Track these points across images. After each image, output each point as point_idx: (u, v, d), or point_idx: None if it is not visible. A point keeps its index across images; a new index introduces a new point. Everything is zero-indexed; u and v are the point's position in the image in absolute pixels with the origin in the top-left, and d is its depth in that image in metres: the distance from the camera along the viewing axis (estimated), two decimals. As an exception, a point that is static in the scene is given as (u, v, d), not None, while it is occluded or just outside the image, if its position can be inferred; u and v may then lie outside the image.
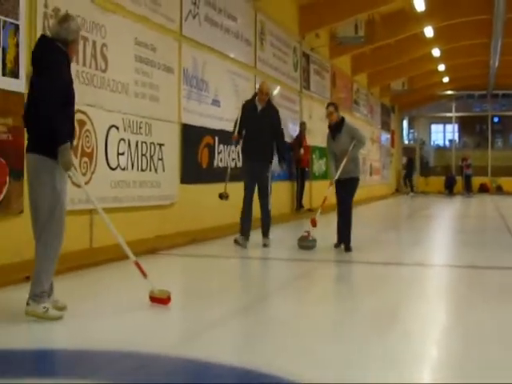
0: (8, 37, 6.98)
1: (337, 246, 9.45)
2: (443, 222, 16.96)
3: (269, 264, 8.49)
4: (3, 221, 6.92)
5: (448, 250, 10.72)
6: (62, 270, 6.42)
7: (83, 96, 8.15)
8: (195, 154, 11.45)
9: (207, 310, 5.55)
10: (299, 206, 16.69)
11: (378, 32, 20.04)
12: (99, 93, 8.66)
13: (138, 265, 5.54)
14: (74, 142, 7.93)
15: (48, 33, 5.71)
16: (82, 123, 8.27)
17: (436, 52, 24.39)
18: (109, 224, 5.46)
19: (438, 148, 39.28)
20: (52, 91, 4.83)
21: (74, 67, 7.88)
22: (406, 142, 38.83)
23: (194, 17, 11.44)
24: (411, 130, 39.52)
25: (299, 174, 16.65)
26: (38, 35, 7.27)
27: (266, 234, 9.73)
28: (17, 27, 7.08)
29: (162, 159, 10.26)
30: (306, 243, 9.37)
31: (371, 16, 19.84)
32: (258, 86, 9.66)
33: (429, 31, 21.33)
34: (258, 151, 9.59)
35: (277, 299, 6.06)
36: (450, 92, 34.20)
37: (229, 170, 10.04)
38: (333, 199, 9.72)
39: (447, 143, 39.47)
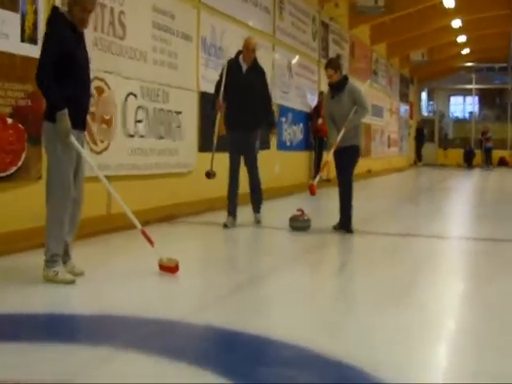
0: (26, 3, 6.96)
1: (336, 228, 8.24)
2: (461, 195, 16.86)
3: (283, 234, 8.44)
4: (22, 187, 6.96)
5: (466, 223, 10.65)
6: (80, 236, 6.45)
7: (101, 63, 8.16)
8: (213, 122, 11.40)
9: (222, 278, 5.56)
10: (316, 175, 16.61)
11: (398, 1, 19.81)
12: (117, 60, 8.64)
13: (144, 233, 5.46)
14: (93, 109, 7.99)
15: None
16: (101, 90, 8.27)
17: (456, 23, 24.09)
18: (113, 193, 5.51)
19: (458, 120, 38.94)
20: (43, 62, 4.98)
21: (91, 34, 7.90)
22: (425, 113, 38.55)
23: (213, -16, 11.34)
24: (430, 102, 39.21)
25: (317, 143, 16.58)
26: (56, 2, 7.30)
27: (257, 209, 8.80)
28: (35, -6, 7.06)
29: (179, 127, 10.25)
30: (298, 224, 8.30)
31: (391, -15, 19.63)
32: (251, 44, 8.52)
33: (449, 1, 21.05)
34: (244, 118, 8.41)
35: (291, 269, 6.06)
36: (470, 64, 33.84)
37: (214, 143, 8.65)
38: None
39: (466, 115, 39.14)
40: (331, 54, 18.66)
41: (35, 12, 7.06)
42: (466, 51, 30.37)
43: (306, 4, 16.47)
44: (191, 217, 9.25)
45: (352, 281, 5.70)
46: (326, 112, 8.45)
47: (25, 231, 6.72)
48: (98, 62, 8.00)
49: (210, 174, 8.62)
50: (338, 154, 8.14)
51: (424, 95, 38.54)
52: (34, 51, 6.94)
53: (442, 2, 21.10)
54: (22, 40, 6.91)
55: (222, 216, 8.50)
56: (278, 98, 14.54)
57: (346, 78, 8.16)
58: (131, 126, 9.01)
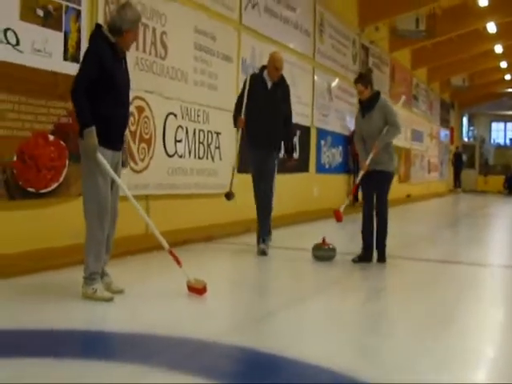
0: (70, 22, 7.04)
1: (360, 259, 7.55)
2: (502, 222, 16.62)
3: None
4: (63, 203, 7.00)
5: (507, 250, 10.47)
6: (118, 254, 6.47)
7: (142, 82, 8.22)
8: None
9: (255, 300, 5.51)
10: (355, 199, 16.54)
11: (440, 26, 19.72)
12: (158, 80, 8.70)
13: (172, 254, 5.38)
14: (133, 128, 8.04)
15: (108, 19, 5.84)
16: (141, 109, 8.32)
17: (498, 48, 23.91)
18: (141, 213, 5.48)
19: (499, 146, 38.55)
20: (78, 78, 5.05)
21: (133, 54, 7.96)
22: (466, 139, 38.22)
23: (254, 6, 11.40)
24: (471, 128, 38.89)
25: (356, 166, 16.48)
26: (100, 20, 7.38)
27: (264, 235, 8.02)
28: (79, 12, 7.15)
29: (218, 147, 10.26)
30: (321, 253, 7.64)
31: (432, 9, 19.53)
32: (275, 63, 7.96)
33: (491, 27, 20.91)
34: (266, 136, 7.89)
35: (327, 294, 5.98)
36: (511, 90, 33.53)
37: (233, 163, 8.38)
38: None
39: (508, 142, 38.75)
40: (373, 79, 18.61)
41: (78, 30, 7.14)
42: (507, 77, 30.09)
43: (346, 27, 16.47)
44: (228, 238, 9.22)
45: (390, 307, 5.61)
46: (356, 132, 7.84)
47: (65, 248, 6.75)
48: (139, 82, 8.05)
49: (229, 195, 8.16)
50: (368, 179, 7.54)
51: (465, 120, 38.25)
52: (76, 69, 7.00)
53: (484, 27, 20.97)
54: (65, 58, 6.99)
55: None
56: (317, 120, 14.52)
57: (377, 94, 7.55)
58: (171, 146, 9.04)
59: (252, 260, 7.85)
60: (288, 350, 4.01)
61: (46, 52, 6.76)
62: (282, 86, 8.04)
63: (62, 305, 4.87)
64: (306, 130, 13.87)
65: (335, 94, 15.89)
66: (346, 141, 16.56)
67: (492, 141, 38.98)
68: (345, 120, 16.61)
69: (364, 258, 7.50)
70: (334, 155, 15.80)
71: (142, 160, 8.38)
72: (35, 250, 6.52)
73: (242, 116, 7.86)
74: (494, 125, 39.06)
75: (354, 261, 7.47)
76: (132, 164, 8.12)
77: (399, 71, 21.89)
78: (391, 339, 4.46)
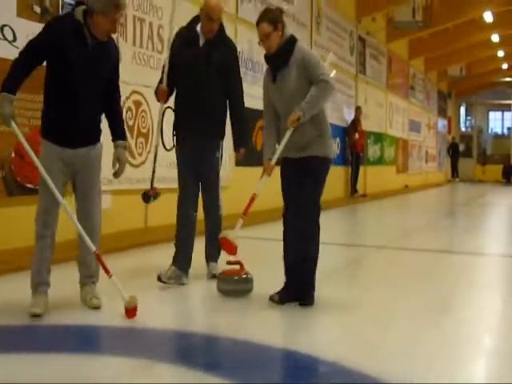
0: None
1: (278, 298, 4.91)
2: (500, 211, 16.67)
3: (320, 248, 8.38)
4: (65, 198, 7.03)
5: (505, 240, 10.52)
6: (117, 249, 6.51)
7: (139, 77, 8.23)
8: (250, 137, 11.44)
9: (257, 293, 5.54)
10: (353, 190, 16.61)
11: (436, 16, 19.73)
12: (156, 74, 8.69)
13: (99, 259, 4.54)
14: (130, 123, 8.06)
15: None
16: (138, 104, 8.34)
17: (495, 38, 23.91)
18: (70, 213, 4.54)
19: (496, 136, 38.56)
20: (21, 51, 4.49)
21: (130, 49, 7.98)
22: (463, 129, 38.23)
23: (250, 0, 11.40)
24: (468, 117, 38.89)
25: (354, 159, 16.54)
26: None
27: (213, 255, 5.83)
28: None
29: (216, 141, 10.27)
30: (227, 286, 5.22)
31: (429, 0, 19.55)
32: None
33: (488, 16, 20.92)
34: (199, 118, 5.53)
35: (328, 285, 6.00)
36: (509, 79, 33.51)
37: (156, 151, 5.91)
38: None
39: (505, 131, 38.75)
40: (368, 69, 18.63)
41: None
42: (505, 66, 30.09)
43: (343, 18, 16.47)
44: (227, 230, 9.21)
45: (388, 297, 5.64)
46: (264, 106, 5.10)
47: (63, 243, 6.76)
48: (137, 76, 8.07)
49: (146, 196, 5.78)
50: (289, 170, 4.98)
51: (462, 110, 38.25)
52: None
53: (481, 17, 20.99)
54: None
55: (259, 230, 8.41)
56: (314, 112, 14.49)
57: (291, 42, 4.90)
58: (169, 140, 9.04)
59: (249, 252, 7.88)
60: (284, 341, 4.06)
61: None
62: (221, 48, 5.61)
63: (60, 300, 4.90)
64: (303, 122, 13.85)
65: (332, 86, 15.85)
66: (344, 133, 16.59)
67: (489, 130, 39.00)
68: (342, 112, 16.61)
69: (288, 294, 4.92)
70: (331, 147, 15.78)
71: (140, 154, 8.41)
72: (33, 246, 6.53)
73: (164, 83, 5.61)
74: (492, 114, 39.07)
75: (272, 300, 4.89)
76: (130, 159, 8.15)
77: (396, 62, 21.89)
78: (389, 329, 4.49)
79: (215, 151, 5.67)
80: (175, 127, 5.80)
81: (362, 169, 17.14)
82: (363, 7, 17.48)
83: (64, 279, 5.13)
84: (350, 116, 16.92)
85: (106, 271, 4.47)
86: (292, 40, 4.90)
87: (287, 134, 4.81)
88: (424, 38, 22.71)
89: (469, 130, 38.28)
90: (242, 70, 10.88)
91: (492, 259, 8.16)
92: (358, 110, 16.91)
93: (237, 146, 5.85)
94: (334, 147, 5.17)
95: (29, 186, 6.61)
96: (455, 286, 6.16)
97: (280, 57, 4.84)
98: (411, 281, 6.30)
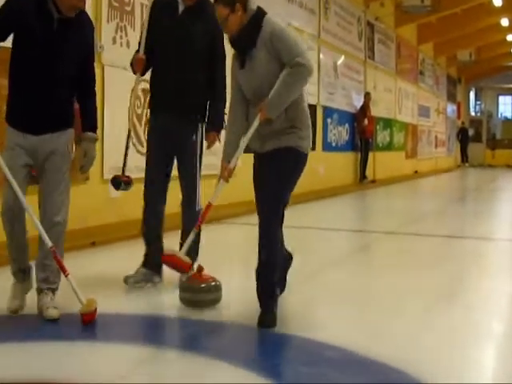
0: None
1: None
2: (509, 195, 16.62)
3: (328, 235, 8.41)
4: (71, 187, 7.04)
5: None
6: (125, 237, 6.53)
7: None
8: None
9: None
10: (363, 176, 16.60)
11: (445, 1, 19.60)
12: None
13: (55, 255, 4.10)
14: (139, 111, 8.05)
15: None
16: (146, 92, 8.20)
17: (505, 22, 23.75)
18: (31, 215, 4.07)
19: (506, 120, 38.36)
20: None
21: (138, 36, 7.97)
22: (473, 113, 38.06)
23: (258, -14, 11.35)
24: (478, 102, 38.71)
25: (363, 144, 16.51)
26: (104, 5, 7.39)
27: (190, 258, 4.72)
28: None
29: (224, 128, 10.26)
30: (189, 295, 4.48)
31: (438, -17, 19.43)
32: None
33: (497, 0, 20.77)
34: (178, 95, 4.91)
35: (337, 271, 6.03)
36: (518, 63, 33.32)
37: (129, 134, 5.26)
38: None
39: (515, 115, 38.59)
40: (377, 54, 18.56)
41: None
42: (515, 50, 29.91)
43: (351, 4, 16.39)
44: (237, 218, 9.23)
45: (398, 283, 5.64)
46: (232, 95, 4.33)
47: (72, 232, 6.80)
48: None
49: (117, 182, 5.13)
50: (260, 165, 4.28)
51: (472, 95, 38.07)
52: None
53: (490, 1, 20.82)
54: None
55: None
56: (323, 99, 14.49)
57: (258, 18, 4.09)
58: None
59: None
60: (294, 327, 4.08)
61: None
62: (203, 17, 4.91)
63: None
64: (312, 109, 13.82)
65: (341, 72, 15.84)
66: (353, 118, 16.55)
67: (499, 115, 38.80)
68: (351, 98, 16.57)
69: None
70: (340, 133, 15.79)
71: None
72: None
73: (141, 52, 4.99)
74: (502, 98, 38.84)
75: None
76: (139, 146, 8.15)
77: (405, 47, 21.79)
78: (398, 316, 4.50)
79: (193, 134, 4.99)
80: (149, 105, 5.23)
81: (371, 155, 17.10)
82: (372, -8, 17.41)
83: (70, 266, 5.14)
84: (359, 102, 16.86)
85: (63, 270, 4.07)
86: (258, 16, 4.08)
87: (252, 127, 4.12)
88: (433, 23, 22.55)
89: (478, 114, 38.10)
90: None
91: (502, 244, 8.15)
92: (367, 95, 16.86)
93: (208, 128, 5.09)
94: (309, 142, 4.22)
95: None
96: (465, 271, 6.17)
97: (244, 38, 4.08)
98: (420, 266, 6.31)
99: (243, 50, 4.10)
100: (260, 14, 4.09)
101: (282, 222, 4.31)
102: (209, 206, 4.35)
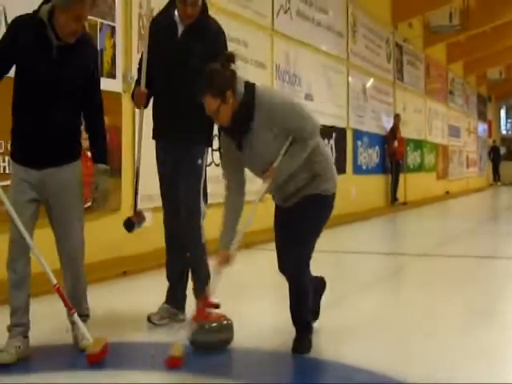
0: (105, 38, 7.16)
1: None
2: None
3: (360, 258, 8.37)
4: (102, 217, 7.10)
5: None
6: (156, 266, 6.56)
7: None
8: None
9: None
10: (394, 199, 16.53)
11: (473, 19, 19.56)
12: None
13: (59, 292, 3.90)
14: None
15: None
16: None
17: (534, 39, 23.62)
18: (32, 246, 3.89)
19: (538, 138, 38.00)
20: None
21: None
22: (504, 132, 37.77)
23: (286, 11, 11.43)
24: (509, 120, 38.41)
25: (393, 166, 16.46)
26: (134, 36, 7.49)
27: (198, 289, 4.76)
28: (113, 29, 7.25)
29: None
30: (202, 337, 4.07)
31: (466, 2, 19.39)
32: None
33: (527, 17, 20.69)
34: (176, 120, 4.57)
35: (371, 293, 6.01)
36: (550, 80, 33.05)
37: (138, 170, 4.89)
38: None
39: (547, 133, 38.19)
40: (406, 75, 18.54)
41: (113, 46, 7.25)
42: (545, 67, 29.70)
43: (379, 26, 16.42)
44: (268, 244, 9.21)
45: (432, 304, 5.59)
46: (227, 176, 4.09)
47: (101, 262, 6.85)
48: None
49: (129, 225, 4.84)
50: (283, 216, 4.17)
51: (502, 113, 37.80)
52: (112, 85, 7.13)
53: (518, 19, 20.73)
54: (101, 74, 7.08)
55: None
56: (352, 122, 14.50)
57: (250, 97, 3.78)
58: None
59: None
60: (325, 351, 4.07)
61: (82, 69, 6.86)
62: (205, 37, 4.63)
63: (100, 317, 4.96)
64: (341, 132, 13.86)
65: (370, 94, 15.85)
66: (383, 141, 16.52)
67: (531, 132, 38.45)
68: (381, 120, 16.56)
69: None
70: (370, 156, 15.76)
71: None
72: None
73: (142, 84, 4.66)
74: (533, 116, 38.54)
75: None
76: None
77: (434, 67, 21.75)
78: (433, 337, 4.47)
79: (198, 158, 4.67)
80: (153, 135, 4.86)
81: (401, 176, 17.04)
82: (399, 13, 17.38)
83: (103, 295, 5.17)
84: (388, 124, 16.84)
85: (68, 308, 3.90)
86: (248, 97, 3.76)
87: (260, 194, 3.96)
88: (462, 42, 22.52)
89: (509, 132, 37.80)
90: (279, 83, 11.01)
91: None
92: (396, 117, 16.84)
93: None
94: (334, 179, 4.07)
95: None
96: (499, 291, 6.14)
97: (239, 127, 3.79)
98: (454, 287, 6.27)
99: (238, 137, 3.85)
100: (250, 92, 3.78)
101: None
102: (206, 299, 4.05)
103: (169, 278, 4.95)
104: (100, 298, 5.32)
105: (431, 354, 4.05)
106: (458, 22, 18.95)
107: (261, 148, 3.81)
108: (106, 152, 4.17)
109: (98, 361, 3.75)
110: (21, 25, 3.87)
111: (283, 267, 4.03)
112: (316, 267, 4.28)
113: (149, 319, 4.74)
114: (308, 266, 4.13)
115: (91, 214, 6.97)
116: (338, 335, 4.53)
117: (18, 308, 3.93)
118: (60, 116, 3.89)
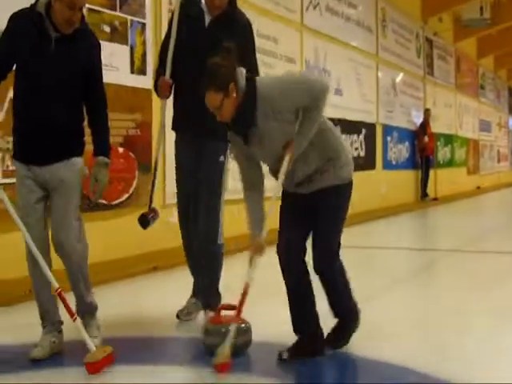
0: (135, 35, 7.20)
1: (293, 352, 3.91)
2: None
3: (391, 254, 8.33)
4: (133, 213, 7.13)
5: None
6: (182, 262, 6.56)
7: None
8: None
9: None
10: (424, 194, 16.44)
11: (504, 12, 19.34)
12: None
13: (61, 297, 3.76)
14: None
15: None
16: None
17: None
18: (37, 256, 3.80)
19: None
20: None
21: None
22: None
23: (315, 7, 11.41)
24: (541, 114, 37.96)
25: (424, 162, 16.37)
26: (163, 32, 7.51)
27: (202, 292, 4.82)
28: (143, 26, 7.30)
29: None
30: (214, 340, 3.85)
31: (497, -4, 19.21)
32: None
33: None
34: (200, 113, 3.99)
35: (400, 289, 5.98)
36: None
37: (156, 165, 4.89)
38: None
39: None
40: (436, 70, 18.41)
41: (143, 43, 7.29)
42: None
43: (409, 20, 16.31)
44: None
45: (464, 301, 5.56)
46: (240, 171, 3.87)
47: (133, 257, 6.89)
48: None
49: (144, 221, 4.76)
50: (299, 207, 3.98)
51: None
52: (142, 82, 7.18)
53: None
54: (132, 71, 7.14)
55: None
56: (382, 117, 14.44)
57: (251, 89, 3.61)
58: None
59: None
60: (361, 349, 4.05)
61: (112, 66, 6.92)
62: (231, 27, 4.48)
63: (129, 313, 4.99)
64: (371, 127, 13.81)
65: (400, 89, 15.76)
66: (413, 136, 16.43)
67: None
68: (410, 115, 16.47)
69: (300, 348, 3.95)
70: (400, 151, 15.68)
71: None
72: (109, 261, 6.62)
73: (168, 74, 4.56)
74: None
75: (281, 358, 3.86)
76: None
77: (464, 61, 21.56)
78: (466, 336, 4.44)
79: (220, 154, 4.57)
80: (174, 126, 4.79)
81: (432, 172, 16.93)
82: (429, 7, 17.25)
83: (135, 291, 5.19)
84: (418, 119, 16.74)
85: (70, 314, 3.76)
86: (250, 89, 3.61)
87: (283, 169, 3.68)
88: (493, 36, 22.26)
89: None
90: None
91: None
92: (426, 112, 16.73)
93: None
94: (350, 165, 3.89)
95: (102, 201, 6.73)
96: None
97: (243, 122, 3.64)
98: (486, 284, 6.21)
99: (243, 132, 3.69)
100: (251, 84, 3.62)
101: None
102: (246, 288, 3.75)
103: (191, 271, 4.92)
104: (130, 294, 5.39)
105: (466, 352, 4.03)
106: (489, 16, 18.75)
107: (273, 140, 3.66)
108: (107, 145, 4.15)
109: (97, 370, 3.59)
110: (19, 19, 3.81)
111: (314, 266, 3.94)
112: (347, 263, 4.26)
113: (177, 316, 4.72)
114: (338, 255, 4.08)
115: (123, 209, 7.04)
116: (368, 331, 4.51)
117: (48, 306, 3.98)
118: (61, 109, 3.84)
